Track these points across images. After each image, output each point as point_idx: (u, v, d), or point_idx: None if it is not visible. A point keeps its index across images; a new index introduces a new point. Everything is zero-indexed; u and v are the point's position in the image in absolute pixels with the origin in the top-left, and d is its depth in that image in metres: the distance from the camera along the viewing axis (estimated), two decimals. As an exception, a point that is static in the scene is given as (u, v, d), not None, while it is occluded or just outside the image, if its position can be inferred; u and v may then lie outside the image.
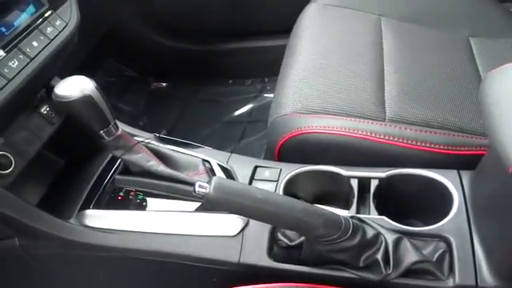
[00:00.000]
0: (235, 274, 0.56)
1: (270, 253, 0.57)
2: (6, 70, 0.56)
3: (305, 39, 0.90)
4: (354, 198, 0.62)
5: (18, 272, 0.68)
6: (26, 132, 0.64)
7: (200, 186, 0.47)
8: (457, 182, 0.60)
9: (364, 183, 0.63)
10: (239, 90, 1.38)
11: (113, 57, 1.47)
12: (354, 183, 0.63)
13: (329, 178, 0.66)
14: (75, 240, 0.58)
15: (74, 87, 0.57)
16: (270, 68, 1.07)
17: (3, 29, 0.58)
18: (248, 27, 1.36)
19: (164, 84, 1.48)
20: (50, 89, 0.65)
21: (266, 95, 1.34)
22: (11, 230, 0.58)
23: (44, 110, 0.67)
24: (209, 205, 0.47)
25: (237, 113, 1.31)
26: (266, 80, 1.38)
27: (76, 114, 0.58)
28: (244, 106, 1.33)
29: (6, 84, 0.55)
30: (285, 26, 1.04)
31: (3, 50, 0.57)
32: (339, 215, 0.51)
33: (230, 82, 1.42)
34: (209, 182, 0.47)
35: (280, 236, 0.58)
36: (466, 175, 0.61)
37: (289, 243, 0.57)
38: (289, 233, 0.58)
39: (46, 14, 0.64)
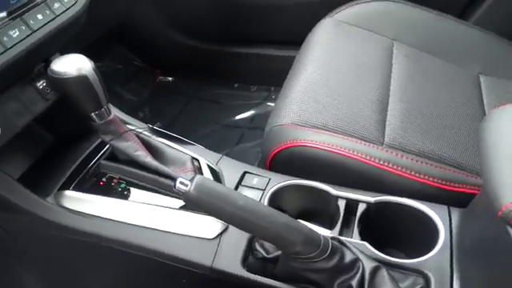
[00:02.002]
0: (206, 279, 0.55)
1: (245, 262, 0.55)
2: (5, 39, 0.55)
3: (314, 53, 0.89)
4: (339, 218, 0.60)
5: None
6: (18, 104, 0.62)
7: (181, 183, 0.45)
8: (445, 218, 0.59)
9: (351, 205, 0.62)
10: (243, 95, 1.37)
11: (123, 44, 1.46)
12: (342, 204, 0.62)
13: (317, 195, 0.64)
14: (49, 219, 0.57)
15: (71, 65, 0.56)
16: (276, 77, 1.06)
17: (10, -3, 0.57)
18: (260, 34, 1.36)
19: (170, 78, 1.47)
20: (48, 64, 0.64)
21: (269, 104, 1.33)
22: None
23: (40, 84, 0.66)
24: (188, 203, 0.46)
25: (237, 117, 1.30)
26: (272, 89, 1.37)
27: (69, 92, 0.57)
28: (246, 111, 1.32)
29: (3, 52, 0.54)
30: (297, 38, 1.03)
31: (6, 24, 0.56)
32: (320, 234, 0.49)
33: (236, 85, 1.41)
34: (191, 180, 0.45)
35: (257, 246, 0.57)
36: (455, 212, 0.60)
37: (265, 255, 0.56)
38: (267, 245, 0.57)
39: None
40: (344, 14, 1.01)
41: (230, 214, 0.46)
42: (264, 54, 1.35)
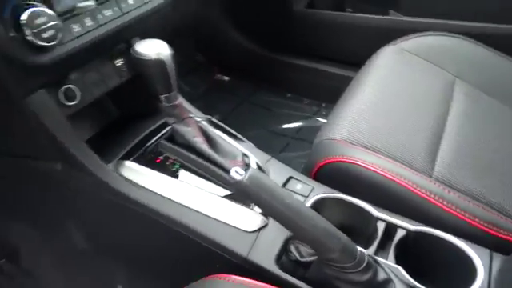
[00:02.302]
0: (238, 268, 0.57)
1: (278, 260, 0.57)
2: (99, 16, 0.61)
3: (374, 76, 0.90)
4: (375, 240, 0.61)
5: (54, 195, 0.72)
6: (97, 76, 0.68)
7: (236, 172, 0.48)
8: (486, 261, 0.58)
9: (390, 229, 0.62)
10: (294, 105, 1.40)
11: (188, 39, 1.53)
12: (381, 226, 0.62)
13: (357, 213, 0.65)
14: (108, 183, 0.62)
15: (153, 48, 0.61)
16: (330, 94, 1.08)
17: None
18: (322, 50, 1.38)
19: (226, 78, 1.52)
20: (129, 45, 0.69)
21: (318, 119, 1.34)
22: (57, 154, 0.62)
23: (118, 62, 0.71)
24: (238, 192, 0.49)
25: (285, 126, 1.33)
26: (323, 105, 1.39)
27: (146, 72, 0.62)
28: (294, 121, 1.34)
29: (96, 28, 0.60)
30: (358, 60, 1.05)
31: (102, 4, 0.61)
32: (358, 247, 0.50)
33: (288, 95, 1.44)
34: (246, 171, 0.48)
35: (292, 248, 0.58)
36: (497, 258, 0.59)
37: (299, 258, 0.57)
38: (302, 249, 0.58)
39: None
40: (409, 43, 1.01)
41: (275, 209, 0.48)
42: (322, 70, 1.37)
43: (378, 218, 0.63)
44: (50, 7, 0.53)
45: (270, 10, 1.39)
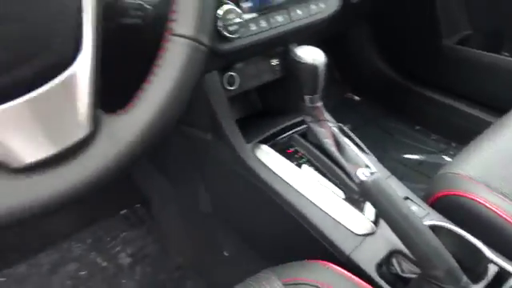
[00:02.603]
0: (338, 264, 0.62)
1: (379, 268, 0.60)
2: (271, 20, 0.71)
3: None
4: (482, 280, 0.60)
5: (196, 160, 0.86)
6: (254, 70, 0.80)
7: (363, 173, 0.53)
8: None
9: (503, 274, 0.60)
10: (421, 138, 1.38)
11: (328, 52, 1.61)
12: (492, 269, 0.61)
13: (469, 249, 0.64)
14: (244, 159, 0.72)
15: (311, 54, 0.69)
16: (462, 135, 1.05)
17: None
18: (462, 89, 1.34)
19: (356, 97, 1.56)
20: (286, 48, 0.79)
21: (444, 157, 1.30)
22: (211, 126, 0.75)
23: (273, 61, 0.82)
24: (360, 191, 0.54)
25: (406, 155, 1.32)
26: (453, 145, 1.34)
27: (299, 74, 0.70)
28: (417, 154, 1.32)
29: (268, 29, 0.70)
30: (499, 105, 1.01)
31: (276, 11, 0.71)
32: (463, 274, 0.51)
33: (417, 128, 1.42)
34: (372, 174, 0.53)
35: (395, 262, 0.61)
36: None
37: (399, 272, 0.60)
38: (404, 265, 0.60)
39: None
40: None
41: (392, 216, 0.52)
42: (458, 108, 1.33)
43: (491, 261, 0.62)
44: (239, 7, 0.65)
45: (418, 41, 1.39)
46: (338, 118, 1.43)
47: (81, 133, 0.33)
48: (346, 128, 0.80)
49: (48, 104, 0.32)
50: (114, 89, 0.37)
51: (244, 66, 0.77)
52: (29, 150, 0.31)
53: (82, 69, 0.33)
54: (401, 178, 1.22)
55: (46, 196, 0.32)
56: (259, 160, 0.72)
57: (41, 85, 0.31)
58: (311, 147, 0.74)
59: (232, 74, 0.75)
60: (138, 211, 1.19)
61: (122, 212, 1.19)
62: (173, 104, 0.37)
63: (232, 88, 0.75)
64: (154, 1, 0.43)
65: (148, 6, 0.43)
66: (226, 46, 0.64)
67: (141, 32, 0.42)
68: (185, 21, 0.37)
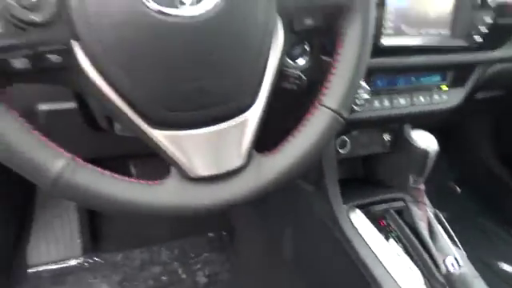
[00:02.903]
0: None
1: None
2: (395, 101, 0.77)
3: None
4: None
5: (291, 207, 0.95)
6: (366, 139, 0.86)
7: (452, 264, 0.56)
8: None
9: None
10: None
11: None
12: None
13: None
14: (338, 220, 0.77)
15: (425, 139, 0.75)
16: None
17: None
18: None
19: (459, 189, 1.52)
20: (401, 127, 0.85)
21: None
22: (316, 180, 0.83)
23: (386, 136, 0.88)
24: (445, 281, 0.57)
25: (499, 263, 1.23)
26: None
27: (410, 155, 0.76)
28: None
29: (390, 108, 0.77)
30: None
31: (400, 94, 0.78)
32: None
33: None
34: (460, 267, 0.56)
35: None
36: None
37: None
38: None
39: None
40: None
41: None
42: None
43: None
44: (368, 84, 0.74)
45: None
46: (436, 205, 1.41)
47: (237, 162, 0.44)
48: (441, 216, 0.82)
49: (222, 137, 0.43)
50: (266, 134, 0.47)
51: (358, 134, 0.85)
52: (202, 166, 0.42)
53: (253, 116, 0.43)
54: (489, 284, 1.15)
55: (206, 202, 0.42)
56: (352, 224, 0.78)
57: (222, 122, 0.43)
58: (404, 226, 0.77)
59: (345, 139, 0.83)
60: (223, 237, 1.29)
61: (210, 234, 1.30)
62: (307, 159, 0.46)
63: (342, 151, 0.83)
64: (310, 75, 0.54)
65: (304, 78, 0.53)
66: (350, 116, 0.73)
67: (294, 95, 0.53)
68: (333, 97, 0.46)
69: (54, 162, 0.38)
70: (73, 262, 1.15)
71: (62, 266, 1.14)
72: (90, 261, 1.17)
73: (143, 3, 0.36)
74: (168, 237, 1.26)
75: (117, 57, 0.37)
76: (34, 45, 0.36)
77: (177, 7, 0.37)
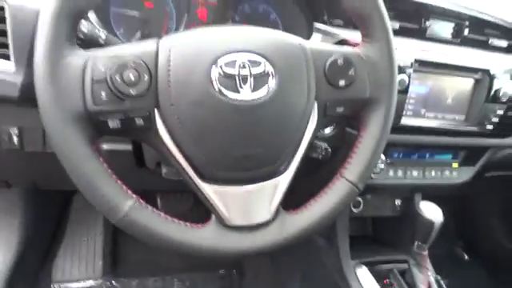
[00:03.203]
0: None
1: None
2: (408, 172, 0.86)
3: None
4: None
5: (301, 256, 1.02)
6: (378, 202, 0.95)
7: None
8: None
9: None
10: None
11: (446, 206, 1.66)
12: None
13: None
14: (345, 275, 0.85)
15: (431, 211, 0.83)
16: None
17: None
18: None
19: (466, 257, 1.56)
20: (412, 196, 0.92)
21: None
22: (326, 233, 0.90)
23: (397, 202, 0.97)
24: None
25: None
26: None
27: (417, 224, 0.83)
28: None
29: (400, 179, 0.85)
30: None
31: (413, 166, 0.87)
32: None
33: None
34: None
35: None
36: None
37: None
38: None
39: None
40: None
41: None
42: None
43: None
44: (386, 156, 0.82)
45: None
46: (440, 271, 1.45)
47: (266, 217, 0.52)
48: (443, 282, 0.88)
49: (257, 194, 0.52)
50: (291, 193, 0.56)
51: (371, 196, 0.94)
52: (238, 217, 0.51)
53: (285, 179, 0.53)
54: None
55: (235, 248, 0.51)
56: (359, 281, 0.85)
57: (259, 182, 0.52)
58: (405, 286, 0.84)
59: (359, 200, 0.92)
60: (233, 276, 1.35)
61: (221, 271, 1.37)
62: (325, 220, 0.54)
63: (355, 210, 0.91)
64: (334, 143, 0.64)
65: (329, 150, 0.63)
66: (366, 182, 0.81)
67: (317, 164, 0.62)
68: (353, 171, 0.55)
69: (124, 202, 0.48)
70: (92, 283, 1.23)
71: (82, 285, 1.21)
72: (108, 283, 1.24)
73: (214, 88, 0.47)
74: (181, 269, 1.33)
75: (188, 127, 0.47)
76: (127, 111, 0.46)
77: (239, 92, 0.47)
